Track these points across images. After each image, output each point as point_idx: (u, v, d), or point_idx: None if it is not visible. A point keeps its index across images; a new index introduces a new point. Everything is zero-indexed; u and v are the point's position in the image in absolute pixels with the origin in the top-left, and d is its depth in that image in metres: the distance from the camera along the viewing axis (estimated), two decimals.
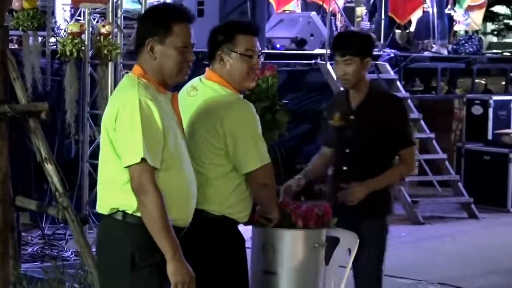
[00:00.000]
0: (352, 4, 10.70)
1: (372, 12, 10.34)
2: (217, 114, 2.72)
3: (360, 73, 3.49)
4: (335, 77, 8.07)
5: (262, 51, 3.36)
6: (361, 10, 10.56)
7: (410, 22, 10.91)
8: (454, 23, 10.79)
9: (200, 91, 2.79)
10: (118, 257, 2.39)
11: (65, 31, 6.94)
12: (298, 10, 10.51)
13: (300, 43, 8.67)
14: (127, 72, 3.00)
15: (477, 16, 11.09)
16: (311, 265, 3.18)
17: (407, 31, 10.67)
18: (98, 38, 6.46)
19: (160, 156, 2.42)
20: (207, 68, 2.91)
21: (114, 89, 3.99)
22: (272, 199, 2.91)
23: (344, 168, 3.47)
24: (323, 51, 8.49)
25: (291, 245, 3.16)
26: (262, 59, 3.04)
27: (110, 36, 6.55)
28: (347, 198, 3.46)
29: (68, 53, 5.16)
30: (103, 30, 6.48)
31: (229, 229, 2.82)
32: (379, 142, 3.45)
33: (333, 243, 3.29)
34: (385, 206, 3.60)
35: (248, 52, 2.74)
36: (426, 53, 10.00)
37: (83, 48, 6.05)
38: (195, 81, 2.92)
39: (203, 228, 2.69)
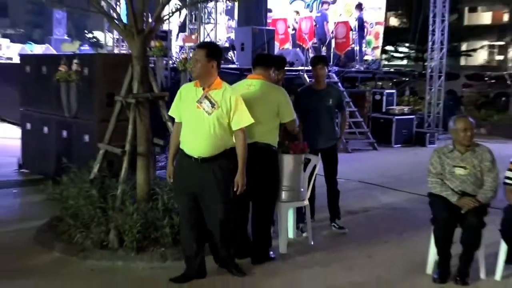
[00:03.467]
0: (316, 44, 14.69)
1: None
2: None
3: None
4: (308, 80, 11.24)
5: None
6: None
7: (345, 53, 14.69)
8: (366, 54, 15.02)
9: (258, 84, 4.64)
10: None
11: (177, 58, 10.04)
12: (290, 47, 14.90)
13: (291, 64, 12.15)
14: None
15: (377, 51, 15.50)
16: (297, 172, 4.92)
17: (343, 57, 14.51)
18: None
19: (176, 113, 4.17)
20: (254, 73, 4.74)
21: None
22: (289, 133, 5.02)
23: None
24: (302, 67, 12.21)
25: (288, 162, 4.86)
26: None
27: None
28: None
29: (180, 68, 6.25)
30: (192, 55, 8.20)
31: (273, 152, 4.70)
32: None
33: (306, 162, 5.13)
34: None
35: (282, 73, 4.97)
36: (353, 69, 14.45)
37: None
38: (247, 81, 4.76)
39: (259, 149, 4.56)
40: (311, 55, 13.66)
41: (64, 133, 7.16)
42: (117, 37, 15.22)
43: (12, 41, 20.10)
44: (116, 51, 15.29)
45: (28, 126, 7.94)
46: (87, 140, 6.70)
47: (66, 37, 18.55)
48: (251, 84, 4.66)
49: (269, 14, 14.45)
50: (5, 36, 25.69)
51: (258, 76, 4.70)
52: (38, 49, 16.75)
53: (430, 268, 4.62)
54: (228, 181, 4.05)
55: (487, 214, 4.46)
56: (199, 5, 10.27)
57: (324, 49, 14.56)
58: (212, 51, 4.11)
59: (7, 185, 7.44)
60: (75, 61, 6.71)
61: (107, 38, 16.73)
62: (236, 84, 4.77)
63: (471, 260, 4.45)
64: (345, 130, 5.95)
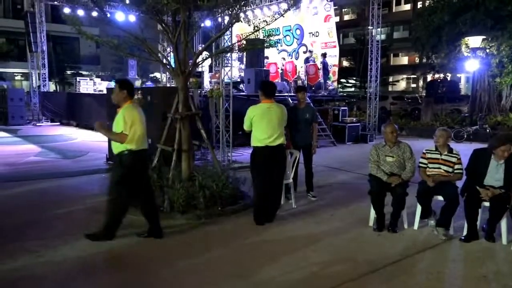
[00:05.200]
0: (296, 79, 14.53)
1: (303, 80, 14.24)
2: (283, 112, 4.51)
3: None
4: (291, 102, 10.51)
5: None
6: (300, 82, 14.36)
7: (315, 84, 14.42)
8: (328, 85, 14.54)
9: (274, 106, 4.50)
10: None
11: (207, 89, 9.60)
12: (279, 81, 14.18)
13: (280, 91, 11.72)
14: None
15: (335, 83, 14.98)
16: (288, 160, 5.05)
17: (313, 86, 14.24)
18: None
19: None
20: (265, 98, 4.47)
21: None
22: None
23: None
24: (287, 94, 11.86)
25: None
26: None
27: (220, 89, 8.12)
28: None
29: (209, 95, 6.37)
30: (216, 87, 8.23)
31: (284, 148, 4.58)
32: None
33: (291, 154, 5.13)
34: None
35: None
36: (320, 94, 13.95)
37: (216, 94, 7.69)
38: (266, 104, 4.49)
39: (281, 148, 4.50)
40: (292, 86, 13.59)
41: None
42: (168, 76, 15.33)
43: (102, 79, 20.20)
44: (168, 85, 15.36)
45: None
46: (150, 142, 6.49)
47: (136, 77, 18.57)
48: (270, 106, 4.51)
49: (266, 60, 14.36)
50: (98, 76, 25.87)
51: (271, 101, 4.57)
52: None
53: (371, 222, 4.52)
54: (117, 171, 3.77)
55: (408, 186, 4.38)
56: (220, 54, 10.28)
57: (300, 81, 14.36)
58: (122, 84, 3.72)
59: (99, 171, 7.36)
60: (139, 91, 6.75)
61: (162, 77, 16.80)
62: (258, 106, 4.59)
63: (398, 216, 4.37)
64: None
